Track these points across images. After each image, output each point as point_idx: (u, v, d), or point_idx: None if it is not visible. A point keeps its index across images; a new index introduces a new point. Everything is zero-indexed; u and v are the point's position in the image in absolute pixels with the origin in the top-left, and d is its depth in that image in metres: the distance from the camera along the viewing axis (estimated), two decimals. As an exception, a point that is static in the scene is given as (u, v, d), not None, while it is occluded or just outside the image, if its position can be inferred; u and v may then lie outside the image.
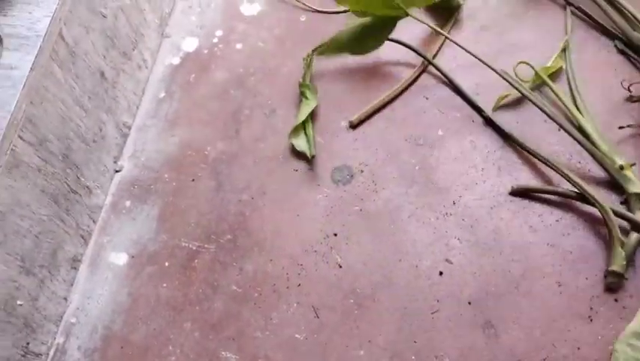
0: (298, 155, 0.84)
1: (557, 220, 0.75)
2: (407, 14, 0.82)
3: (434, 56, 0.89)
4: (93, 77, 0.80)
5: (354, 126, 0.86)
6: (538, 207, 0.76)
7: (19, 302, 0.69)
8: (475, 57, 0.78)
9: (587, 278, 0.71)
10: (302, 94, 0.87)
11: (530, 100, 0.76)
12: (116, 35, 0.85)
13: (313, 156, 0.83)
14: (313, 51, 0.88)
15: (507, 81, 0.77)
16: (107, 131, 0.85)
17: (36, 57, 0.69)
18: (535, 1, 0.91)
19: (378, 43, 0.86)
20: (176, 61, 0.97)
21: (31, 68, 0.68)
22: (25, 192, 0.68)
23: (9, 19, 0.72)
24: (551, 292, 0.71)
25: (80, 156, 0.78)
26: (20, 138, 0.67)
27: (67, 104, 0.74)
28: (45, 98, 0.70)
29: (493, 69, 0.75)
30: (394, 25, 0.85)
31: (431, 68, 0.88)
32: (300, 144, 0.83)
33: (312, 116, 0.86)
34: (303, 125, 0.84)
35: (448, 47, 0.89)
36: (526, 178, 0.78)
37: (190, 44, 0.98)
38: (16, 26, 0.71)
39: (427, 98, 0.86)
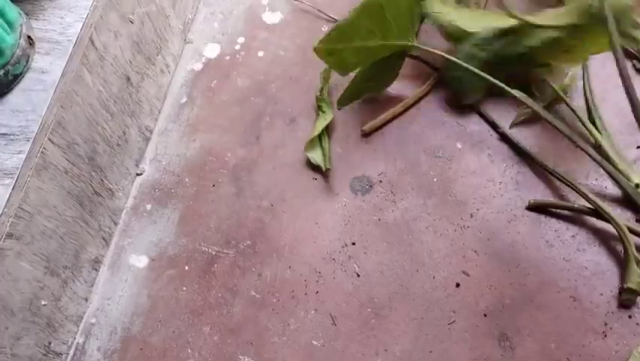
0: (316, 165, 0.85)
1: (573, 236, 0.76)
2: (415, 45, 0.82)
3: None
4: (119, 82, 0.81)
5: (366, 135, 0.87)
6: (554, 222, 0.77)
7: (43, 302, 0.71)
8: (489, 79, 0.78)
9: (601, 294, 0.72)
10: (319, 108, 0.89)
11: (545, 119, 0.77)
12: (142, 41, 0.86)
13: (328, 169, 0.84)
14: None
15: (521, 100, 0.78)
16: (130, 134, 0.86)
17: (67, 62, 0.70)
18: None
19: (394, 76, 0.87)
20: (198, 67, 0.98)
21: (62, 73, 0.69)
22: (52, 194, 0.70)
23: (41, 23, 0.73)
24: (566, 307, 0.72)
25: (104, 159, 0.80)
26: (50, 140, 0.68)
27: (94, 107, 0.76)
28: (75, 102, 0.71)
29: (506, 88, 0.76)
30: (404, 57, 0.86)
31: (450, 81, 0.89)
32: (315, 156, 0.85)
33: (331, 126, 0.87)
34: (318, 138, 0.85)
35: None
36: (544, 193, 0.79)
37: (212, 50, 0.99)
38: (48, 31, 0.73)
39: (445, 111, 0.87)
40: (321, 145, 0.86)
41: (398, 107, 0.87)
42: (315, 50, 0.79)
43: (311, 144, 0.85)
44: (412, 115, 0.88)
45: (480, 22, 0.81)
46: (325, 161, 0.84)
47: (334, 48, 0.79)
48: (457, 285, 0.75)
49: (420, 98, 0.88)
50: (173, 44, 0.97)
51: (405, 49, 0.83)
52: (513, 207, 0.79)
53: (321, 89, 0.89)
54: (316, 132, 0.85)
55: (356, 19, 0.77)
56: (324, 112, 0.88)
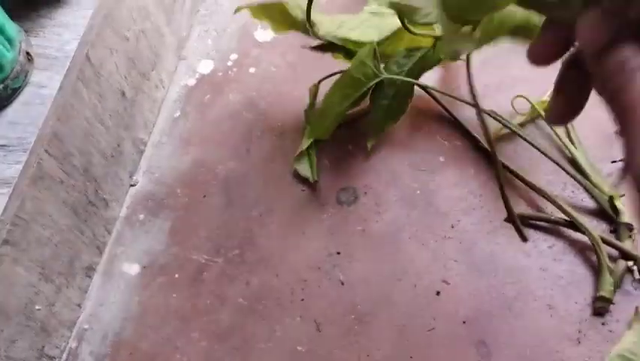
0: (304, 178, 0.88)
1: (550, 247, 0.79)
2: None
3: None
4: (114, 96, 0.85)
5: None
6: (532, 233, 0.80)
7: (37, 307, 0.73)
8: (460, 100, 0.81)
9: (576, 302, 0.75)
10: (307, 121, 0.92)
11: (520, 136, 0.81)
12: (137, 57, 0.90)
13: (316, 181, 0.87)
14: (319, 82, 0.93)
15: (496, 119, 0.81)
16: (124, 147, 0.89)
17: (64, 77, 0.73)
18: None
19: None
20: (191, 82, 1.02)
21: (59, 87, 0.72)
22: (48, 203, 0.73)
23: (40, 39, 0.77)
24: (542, 315, 0.74)
25: (99, 170, 0.83)
26: (46, 152, 0.71)
27: (90, 121, 0.79)
28: (71, 115, 0.75)
29: (480, 109, 0.77)
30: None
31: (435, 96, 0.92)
32: (303, 169, 0.88)
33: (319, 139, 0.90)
34: (307, 151, 0.89)
35: (452, 76, 0.94)
36: (522, 206, 0.82)
37: (206, 67, 1.03)
38: (46, 47, 0.76)
39: (430, 126, 0.90)
40: (309, 158, 0.89)
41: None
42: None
43: (299, 157, 0.88)
44: (398, 131, 0.91)
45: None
46: (313, 173, 0.87)
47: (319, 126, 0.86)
48: (438, 293, 0.78)
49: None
50: (168, 60, 1.00)
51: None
52: (492, 219, 0.82)
53: (310, 104, 0.93)
54: (304, 146, 0.88)
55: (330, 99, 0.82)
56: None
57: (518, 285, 0.77)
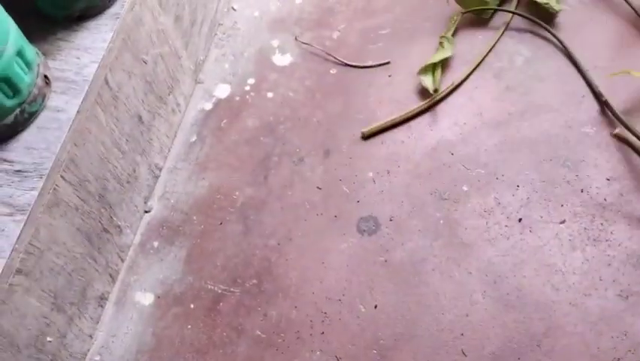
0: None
1: (579, 280, 0.76)
2: None
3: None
4: (131, 121, 0.83)
5: (365, 138, 0.92)
6: (560, 265, 0.77)
7: (48, 339, 0.71)
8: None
9: (609, 339, 0.72)
10: (440, 44, 0.98)
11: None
12: (154, 81, 0.88)
13: (436, 90, 0.93)
14: (463, 13, 1.01)
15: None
16: (140, 172, 0.87)
17: (82, 101, 0.71)
18: (557, 66, 0.94)
19: None
20: (208, 106, 1.00)
21: (77, 111, 0.71)
22: (62, 231, 0.70)
23: (58, 63, 0.75)
24: (574, 353, 0.71)
25: (114, 196, 0.81)
26: (62, 178, 0.69)
27: (106, 146, 0.77)
28: (88, 140, 0.73)
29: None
30: None
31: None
32: (426, 80, 0.94)
33: (341, 164, 0.88)
34: (433, 66, 0.95)
35: (472, 103, 0.92)
36: (549, 235, 0.79)
37: (222, 91, 1.01)
38: (65, 70, 0.74)
39: (452, 154, 0.88)
40: (433, 72, 0.95)
41: (397, 117, 0.93)
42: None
43: (425, 69, 0.95)
44: (419, 159, 0.89)
45: None
46: (435, 83, 0.93)
47: None
48: (463, 328, 0.75)
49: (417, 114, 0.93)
50: (185, 84, 0.99)
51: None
52: (519, 251, 0.79)
53: (447, 30, 0.99)
54: (433, 60, 0.95)
55: None
56: (444, 48, 0.97)
57: (548, 320, 0.74)
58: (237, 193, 0.90)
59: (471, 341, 0.74)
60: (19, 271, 0.64)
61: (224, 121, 0.98)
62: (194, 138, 0.97)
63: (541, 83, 0.93)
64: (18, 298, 0.64)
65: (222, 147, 0.95)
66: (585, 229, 0.79)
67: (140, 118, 0.85)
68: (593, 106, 0.88)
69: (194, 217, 0.89)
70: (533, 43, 0.97)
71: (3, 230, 0.63)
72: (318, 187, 0.88)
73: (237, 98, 1.00)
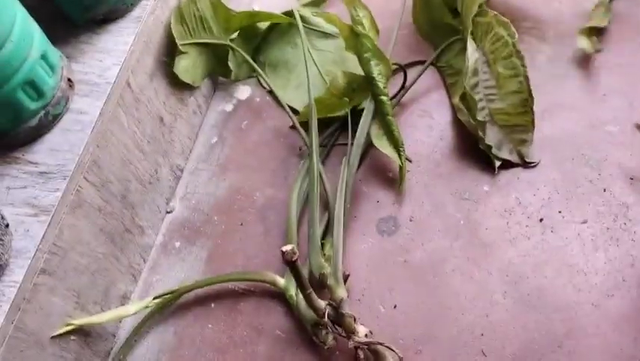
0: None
1: (602, 281, 0.75)
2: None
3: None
4: (153, 122, 0.84)
5: None
6: (582, 265, 0.76)
7: (72, 337, 0.72)
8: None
9: (632, 340, 0.71)
10: None
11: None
12: (176, 82, 0.89)
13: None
14: None
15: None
16: (161, 173, 0.88)
17: (105, 103, 0.73)
18: (578, 63, 0.93)
19: None
20: (229, 108, 1.01)
21: (100, 113, 0.72)
22: (85, 231, 0.72)
23: (81, 65, 0.77)
24: (596, 353, 0.71)
25: (136, 197, 0.82)
26: (85, 179, 0.70)
27: (128, 147, 0.78)
28: (110, 141, 0.74)
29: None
30: None
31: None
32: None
33: (357, 168, 0.88)
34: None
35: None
36: (571, 235, 0.79)
37: (243, 92, 1.02)
38: (87, 73, 0.76)
39: (471, 156, 0.88)
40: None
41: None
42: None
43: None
44: (439, 158, 0.88)
45: None
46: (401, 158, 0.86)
47: None
48: (483, 328, 0.74)
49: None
50: (205, 86, 1.00)
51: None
52: (540, 251, 0.78)
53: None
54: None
55: None
56: None
57: (569, 321, 0.73)
58: (258, 194, 0.91)
59: (491, 342, 0.73)
60: (43, 271, 0.65)
61: (245, 122, 0.99)
62: (214, 139, 0.98)
63: (564, 82, 0.92)
64: (42, 297, 0.65)
65: (243, 148, 0.96)
66: (608, 228, 0.78)
67: (161, 119, 0.86)
68: (616, 104, 0.87)
69: (215, 218, 0.89)
70: (556, 42, 0.96)
71: (27, 230, 0.65)
72: (336, 187, 0.88)
73: (257, 100, 1.01)
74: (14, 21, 0.65)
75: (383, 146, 0.85)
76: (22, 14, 0.67)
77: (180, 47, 0.87)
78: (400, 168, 0.84)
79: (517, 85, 0.83)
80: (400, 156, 0.84)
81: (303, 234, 0.83)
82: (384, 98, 0.85)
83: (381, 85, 0.84)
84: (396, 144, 0.84)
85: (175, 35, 0.86)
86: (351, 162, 0.83)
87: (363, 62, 0.85)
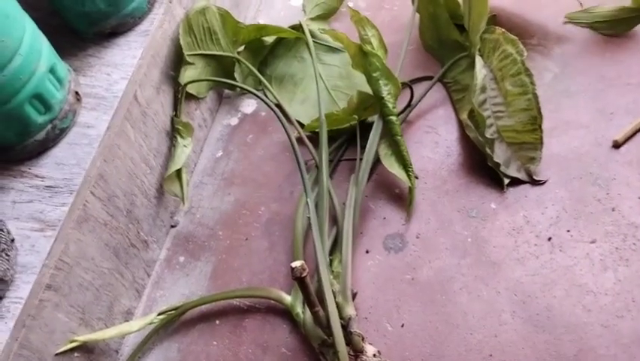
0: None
1: (611, 301, 0.74)
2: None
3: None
4: (159, 136, 0.83)
5: None
6: (592, 285, 0.76)
7: (76, 354, 0.71)
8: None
9: (643, 363, 0.70)
10: (177, 132, 0.87)
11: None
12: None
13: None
14: (185, 84, 0.88)
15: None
16: (167, 187, 0.87)
17: (112, 117, 0.72)
18: (587, 82, 0.93)
19: None
20: (234, 121, 1.00)
21: (107, 127, 0.71)
22: (91, 246, 0.71)
23: (88, 79, 0.76)
24: (606, 376, 0.70)
25: (141, 212, 0.81)
26: (92, 193, 0.69)
27: (135, 161, 0.78)
28: (117, 155, 0.73)
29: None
30: None
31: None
32: (176, 190, 0.86)
33: (364, 183, 0.87)
34: (177, 172, 0.86)
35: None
36: (580, 255, 0.78)
37: (248, 106, 1.02)
38: (95, 87, 0.75)
39: (479, 173, 0.87)
40: (179, 178, 0.86)
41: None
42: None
43: (170, 178, 0.85)
44: (446, 176, 0.88)
45: None
46: (183, 195, 0.86)
47: None
48: (492, 349, 0.74)
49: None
50: (211, 99, 0.99)
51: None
52: (548, 270, 0.78)
53: (177, 109, 0.88)
54: (178, 165, 0.84)
55: None
56: (183, 138, 0.87)
57: (579, 342, 0.72)
58: (263, 209, 0.90)
59: (500, 363, 0.73)
60: (48, 287, 0.64)
61: (250, 136, 0.98)
62: (220, 153, 0.97)
63: (571, 99, 0.92)
64: (47, 313, 0.65)
65: (248, 163, 0.95)
66: (617, 248, 0.78)
67: (167, 133, 0.85)
68: (623, 123, 0.87)
69: (220, 232, 0.89)
70: (562, 60, 0.96)
71: (33, 246, 0.64)
72: (343, 203, 0.87)
73: (263, 114, 1.00)
74: (23, 34, 0.64)
75: (392, 166, 0.84)
76: (31, 27, 0.66)
77: (187, 58, 0.87)
78: (410, 189, 0.84)
79: (526, 102, 0.82)
80: (409, 176, 0.83)
81: (309, 250, 0.82)
82: (393, 118, 0.84)
83: (390, 105, 0.84)
84: (405, 165, 0.84)
85: (182, 46, 0.86)
86: (359, 179, 0.83)
87: (372, 82, 0.85)
